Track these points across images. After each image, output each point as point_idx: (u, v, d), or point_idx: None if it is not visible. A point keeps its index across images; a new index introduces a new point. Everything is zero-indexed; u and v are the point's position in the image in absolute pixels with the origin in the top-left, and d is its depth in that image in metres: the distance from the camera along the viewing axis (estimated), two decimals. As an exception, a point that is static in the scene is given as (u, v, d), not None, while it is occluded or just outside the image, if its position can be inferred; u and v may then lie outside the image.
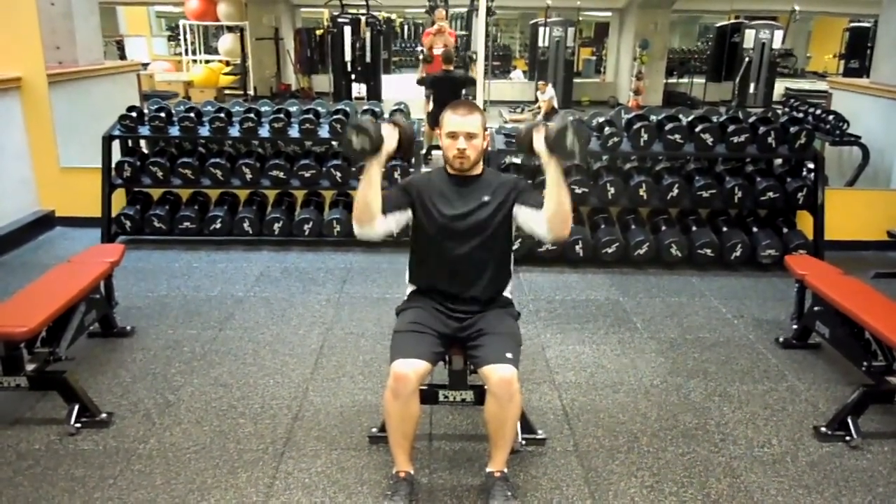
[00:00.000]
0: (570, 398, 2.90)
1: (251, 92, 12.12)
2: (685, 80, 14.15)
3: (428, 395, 2.37)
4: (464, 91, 7.00)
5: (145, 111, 4.84)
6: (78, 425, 2.58)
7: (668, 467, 2.45)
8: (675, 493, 2.32)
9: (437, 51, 7.58)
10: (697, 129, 4.43)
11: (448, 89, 6.75)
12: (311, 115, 4.74)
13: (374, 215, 2.22)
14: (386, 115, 4.91)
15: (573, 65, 13.46)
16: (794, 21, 11.98)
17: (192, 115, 4.71)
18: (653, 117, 4.69)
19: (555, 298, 4.00)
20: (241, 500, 2.24)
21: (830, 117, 6.20)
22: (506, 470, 2.22)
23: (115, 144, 4.79)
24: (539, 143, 2.15)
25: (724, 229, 4.56)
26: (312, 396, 2.88)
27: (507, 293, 2.44)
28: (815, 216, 4.54)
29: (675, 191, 4.46)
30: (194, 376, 3.03)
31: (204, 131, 4.77)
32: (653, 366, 3.22)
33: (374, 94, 10.12)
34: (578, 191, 4.38)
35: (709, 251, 4.42)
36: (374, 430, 2.55)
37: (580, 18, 13.66)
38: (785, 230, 4.57)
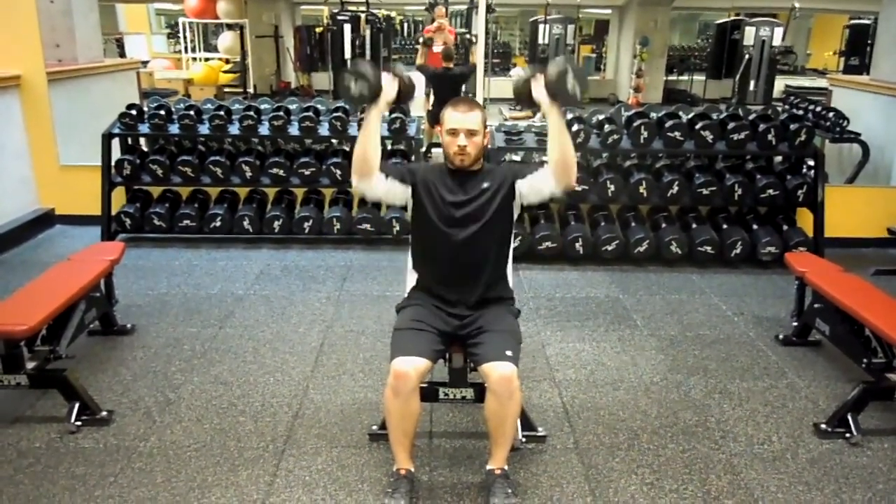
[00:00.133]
0: (570, 395, 2.91)
1: (251, 90, 12.09)
2: (685, 77, 14.11)
3: (428, 393, 2.37)
4: (463, 87, 6.98)
5: (145, 109, 4.84)
6: (78, 423, 2.58)
7: (669, 464, 2.46)
8: (676, 489, 2.32)
9: (437, 48, 7.55)
10: (697, 127, 4.43)
11: (448, 87, 6.74)
12: (310, 113, 4.74)
13: (372, 168, 2.22)
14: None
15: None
16: (794, 18, 11.94)
17: (191, 112, 4.71)
18: (653, 114, 4.69)
19: (555, 296, 4.00)
20: (241, 497, 2.25)
21: (830, 114, 6.19)
22: (506, 467, 2.22)
23: (115, 142, 4.78)
24: (539, 90, 2.14)
25: (724, 226, 4.56)
26: (313, 394, 2.88)
27: (509, 282, 2.44)
28: (815, 213, 4.54)
29: (675, 188, 4.46)
30: (194, 374, 3.03)
31: (204, 129, 4.77)
32: (653, 363, 3.22)
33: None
34: (578, 188, 4.38)
35: (709, 248, 4.42)
36: (375, 427, 2.55)
37: (580, 16, 13.61)
38: (785, 227, 4.58)
